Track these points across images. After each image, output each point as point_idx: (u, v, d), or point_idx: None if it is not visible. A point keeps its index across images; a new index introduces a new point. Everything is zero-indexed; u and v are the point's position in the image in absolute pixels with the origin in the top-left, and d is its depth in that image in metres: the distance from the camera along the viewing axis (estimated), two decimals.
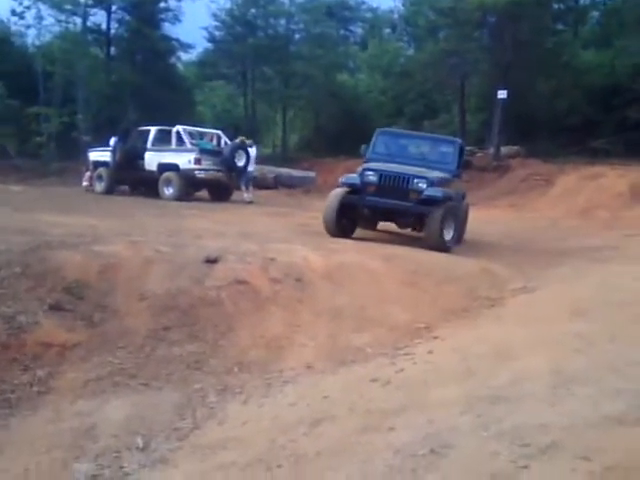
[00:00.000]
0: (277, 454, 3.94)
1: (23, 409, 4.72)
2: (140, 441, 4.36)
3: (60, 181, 23.55)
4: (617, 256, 10.79)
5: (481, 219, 15.50)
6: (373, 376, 5.19)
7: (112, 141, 20.33)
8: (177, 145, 18.85)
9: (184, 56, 36.28)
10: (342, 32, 43.51)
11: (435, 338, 6.29)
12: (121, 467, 4.05)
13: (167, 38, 33.31)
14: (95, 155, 21.06)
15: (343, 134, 29.84)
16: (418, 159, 11.60)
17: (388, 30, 40.31)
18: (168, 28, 33.67)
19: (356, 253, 8.74)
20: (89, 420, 4.61)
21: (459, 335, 6.35)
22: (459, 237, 11.71)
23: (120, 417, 4.67)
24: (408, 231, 11.92)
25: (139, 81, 30.38)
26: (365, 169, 10.92)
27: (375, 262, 8.26)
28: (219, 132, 20.55)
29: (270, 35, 32.99)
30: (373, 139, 12.07)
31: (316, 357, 5.87)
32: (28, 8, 30.33)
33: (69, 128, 28.71)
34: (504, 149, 23.73)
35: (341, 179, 11.36)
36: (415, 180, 10.40)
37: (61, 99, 29.70)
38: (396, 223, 11.41)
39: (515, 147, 24.56)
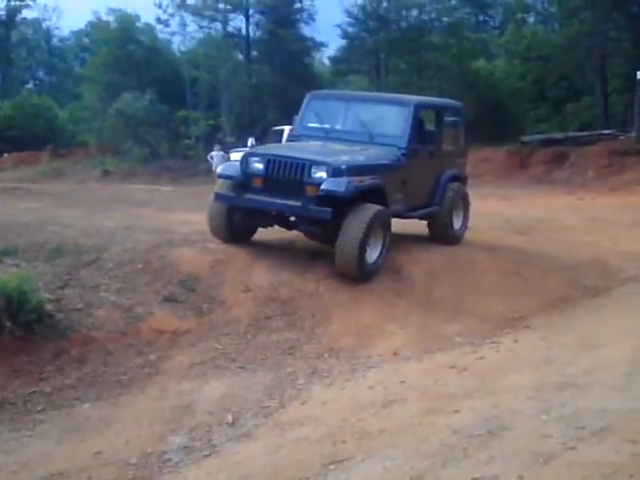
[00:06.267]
0: (345, 431, 4.31)
1: (133, 389, 5.38)
2: (230, 417, 4.86)
3: (208, 180, 24.97)
4: None
5: (614, 205, 14.92)
6: (453, 363, 5.43)
7: (250, 142, 21.42)
8: None
9: (319, 54, 37.29)
10: (481, 18, 42.70)
11: (526, 328, 6.39)
12: (210, 440, 4.56)
13: (302, 38, 34.22)
14: (235, 156, 22.22)
15: (480, 122, 29.42)
16: (359, 133, 8.31)
17: (526, 14, 38.93)
18: (303, 28, 34.71)
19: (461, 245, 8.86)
20: (189, 398, 5.18)
21: (551, 325, 6.41)
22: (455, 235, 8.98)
23: (216, 396, 5.21)
24: None
25: (277, 82, 31.58)
26: (248, 154, 7.90)
27: (478, 253, 8.37)
28: None
29: (402, 27, 33.05)
30: (302, 106, 8.96)
31: (403, 345, 6.17)
32: (172, 15, 32.46)
33: (215, 130, 30.40)
34: None
35: (218, 169, 8.38)
36: (313, 168, 7.23)
37: (207, 103, 31.62)
38: (300, 231, 7.89)
39: None
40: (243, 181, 7.56)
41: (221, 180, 7.99)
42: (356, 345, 6.22)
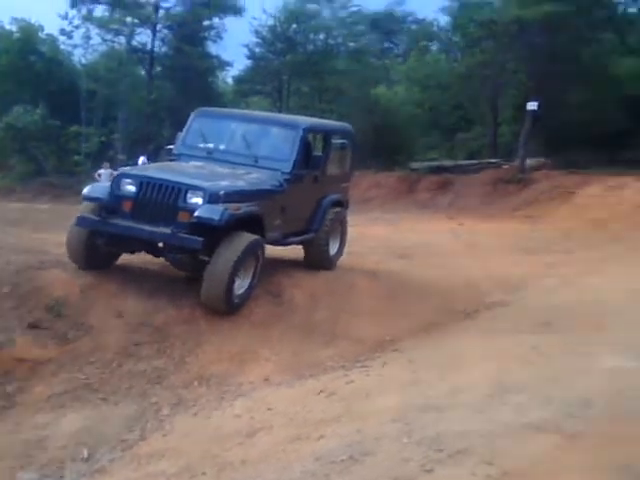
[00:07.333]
0: (206, 463, 4.18)
1: None
2: (85, 452, 4.66)
3: None
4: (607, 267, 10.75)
5: (492, 231, 15.55)
6: (322, 388, 5.39)
7: (141, 160, 20.88)
8: None
9: (224, 73, 37.00)
10: (386, 45, 43.50)
11: (395, 351, 6.47)
12: (61, 477, 4.37)
13: (206, 55, 33.86)
14: None
15: (377, 148, 30.06)
16: (243, 155, 7.93)
17: (429, 43, 40.01)
18: (210, 46, 34.29)
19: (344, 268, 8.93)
20: (43, 432, 4.92)
21: (419, 348, 6.54)
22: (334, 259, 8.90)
23: (72, 430, 4.98)
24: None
25: (177, 99, 31.06)
26: (121, 175, 7.24)
27: (359, 276, 8.46)
28: None
29: (308, 51, 33.43)
30: (187, 124, 8.47)
31: (275, 371, 6.10)
32: (77, 27, 31.14)
33: (107, 146, 29.54)
34: (530, 161, 23.47)
35: (84, 190, 7.41)
36: (189, 193, 6.77)
37: (101, 118, 30.56)
38: (166, 259, 7.39)
39: (541, 159, 24.38)
40: (112, 204, 6.97)
41: (86, 202, 7.32)
42: (227, 372, 6.10)
